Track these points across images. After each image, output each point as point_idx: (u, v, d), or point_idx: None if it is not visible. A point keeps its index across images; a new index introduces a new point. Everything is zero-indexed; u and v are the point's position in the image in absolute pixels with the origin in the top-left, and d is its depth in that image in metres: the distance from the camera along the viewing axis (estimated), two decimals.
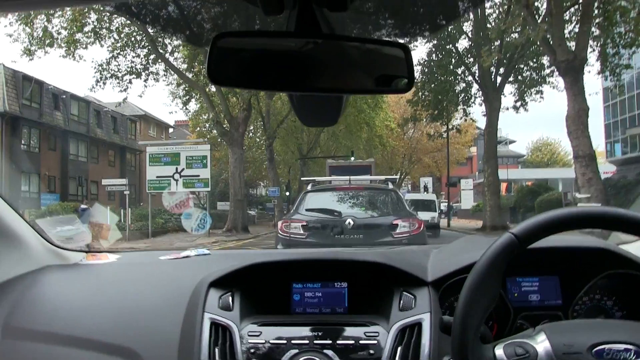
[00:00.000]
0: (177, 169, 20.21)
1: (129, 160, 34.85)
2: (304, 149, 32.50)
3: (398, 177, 15.29)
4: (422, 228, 7.57)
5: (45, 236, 1.85)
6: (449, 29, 21.64)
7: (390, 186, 8.81)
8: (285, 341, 1.30)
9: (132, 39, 21.88)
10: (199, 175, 20.31)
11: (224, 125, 22.19)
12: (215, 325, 1.34)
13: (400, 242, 7.14)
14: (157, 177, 20.38)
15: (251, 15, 1.07)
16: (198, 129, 31.58)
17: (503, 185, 28.19)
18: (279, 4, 0.95)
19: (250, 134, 32.09)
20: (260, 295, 1.46)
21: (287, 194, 30.05)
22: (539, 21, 16.01)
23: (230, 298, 1.41)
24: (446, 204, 33.11)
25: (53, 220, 1.87)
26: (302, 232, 7.59)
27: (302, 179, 17.73)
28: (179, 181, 20.27)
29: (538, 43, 17.47)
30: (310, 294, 1.47)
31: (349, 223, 7.48)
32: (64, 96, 28.80)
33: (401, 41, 1.04)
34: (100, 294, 1.62)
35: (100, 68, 22.01)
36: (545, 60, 22.56)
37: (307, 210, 8.03)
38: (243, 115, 21.72)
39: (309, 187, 8.81)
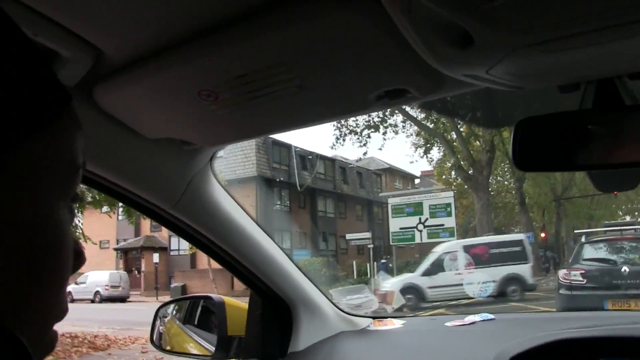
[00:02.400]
0: (420, 219, 20.30)
1: (376, 214, 36.72)
2: (557, 190, 30.40)
3: None
4: None
5: (337, 304, 2.14)
6: None
7: None
8: None
9: None
10: (443, 225, 20.14)
11: (467, 171, 21.94)
12: None
13: None
14: (401, 228, 20.71)
15: (540, 94, 1.13)
16: (444, 177, 31.76)
17: None
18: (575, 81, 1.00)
19: (498, 177, 31.21)
20: None
21: (543, 235, 28.27)
22: None
23: None
24: None
25: (344, 290, 2.15)
26: (581, 279, 9.28)
27: (575, 232, 20.22)
28: (423, 232, 20.36)
29: None
30: None
31: (625, 270, 8.91)
32: (310, 156, 31.90)
33: None
34: None
35: (339, 125, 23.71)
36: None
37: (583, 260, 9.80)
38: (487, 157, 21.26)
39: (583, 239, 10.80)
